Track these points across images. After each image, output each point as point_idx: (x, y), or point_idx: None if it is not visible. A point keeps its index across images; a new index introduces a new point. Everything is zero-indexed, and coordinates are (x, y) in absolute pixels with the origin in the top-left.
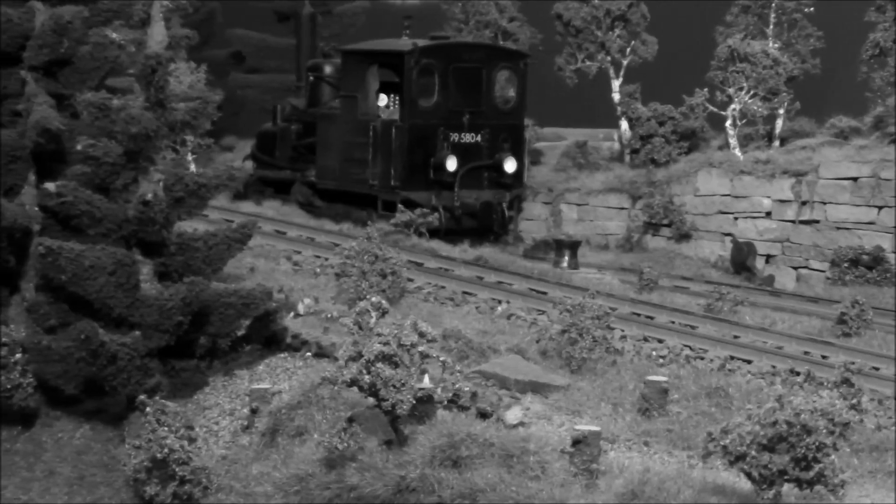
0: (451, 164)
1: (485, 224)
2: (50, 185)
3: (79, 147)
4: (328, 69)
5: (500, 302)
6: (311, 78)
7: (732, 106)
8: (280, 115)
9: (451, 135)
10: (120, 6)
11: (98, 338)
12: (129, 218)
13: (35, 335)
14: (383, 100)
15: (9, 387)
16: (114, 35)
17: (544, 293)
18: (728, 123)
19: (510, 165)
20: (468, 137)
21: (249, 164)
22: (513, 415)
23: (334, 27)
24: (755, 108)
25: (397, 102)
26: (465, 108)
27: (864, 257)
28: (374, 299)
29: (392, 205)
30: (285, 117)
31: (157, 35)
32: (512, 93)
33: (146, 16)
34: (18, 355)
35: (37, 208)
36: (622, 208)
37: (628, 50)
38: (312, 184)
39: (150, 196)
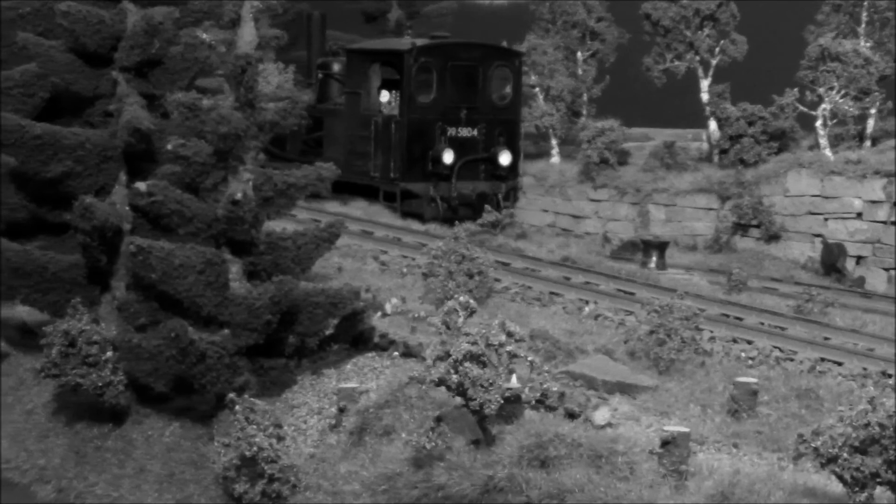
0: (448, 156)
1: (481, 214)
2: (141, 185)
3: (169, 147)
4: (336, 67)
5: (587, 302)
6: (321, 75)
7: (823, 106)
8: None
9: (449, 129)
10: (210, 7)
11: (187, 336)
12: (218, 217)
13: (126, 333)
14: (385, 96)
15: (100, 384)
16: (204, 35)
17: (632, 294)
18: (818, 123)
19: (505, 158)
20: (465, 132)
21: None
22: (601, 415)
23: (422, 28)
24: (846, 107)
25: (398, 98)
26: (462, 103)
27: None
28: (462, 298)
29: (392, 195)
30: None
31: (247, 35)
32: (508, 89)
33: (236, 16)
34: (109, 353)
35: (127, 207)
36: (710, 209)
37: (717, 49)
38: None
39: (239, 195)
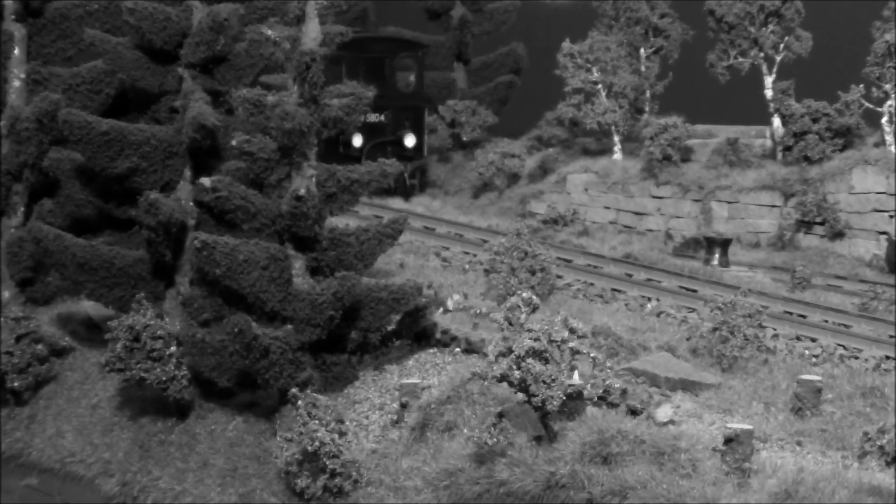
0: (357, 140)
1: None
2: (205, 181)
3: (234, 143)
4: None
5: (649, 299)
6: None
7: (889, 102)
8: None
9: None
10: (275, 3)
11: (251, 331)
12: (282, 213)
13: (190, 328)
14: None
15: (164, 379)
16: (269, 32)
17: (695, 291)
18: (884, 120)
19: (410, 141)
20: (373, 117)
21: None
22: (663, 412)
23: (485, 25)
24: None
25: None
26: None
27: None
28: (525, 295)
29: None
30: None
31: (312, 32)
32: (412, 78)
33: (301, 13)
34: (174, 348)
35: (192, 203)
36: (774, 206)
37: (782, 46)
38: None
39: (303, 191)
